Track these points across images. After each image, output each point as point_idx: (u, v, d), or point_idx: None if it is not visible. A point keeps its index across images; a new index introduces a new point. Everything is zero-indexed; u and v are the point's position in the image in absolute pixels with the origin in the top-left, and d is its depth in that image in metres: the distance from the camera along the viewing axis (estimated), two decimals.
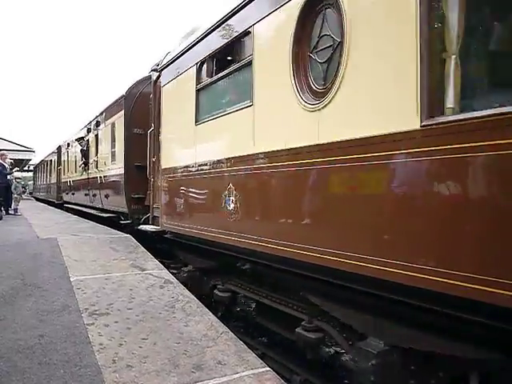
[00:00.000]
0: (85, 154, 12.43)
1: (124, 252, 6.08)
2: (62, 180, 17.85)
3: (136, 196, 7.97)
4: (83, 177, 12.79)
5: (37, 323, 3.24)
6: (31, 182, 44.46)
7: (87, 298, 3.85)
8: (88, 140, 12.52)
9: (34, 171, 34.48)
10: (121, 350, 2.84)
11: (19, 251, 5.93)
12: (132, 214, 8.07)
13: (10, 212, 12.77)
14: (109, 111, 10.06)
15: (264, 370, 2.70)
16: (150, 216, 6.85)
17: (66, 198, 16.99)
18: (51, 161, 21.86)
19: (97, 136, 11.39)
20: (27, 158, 28.91)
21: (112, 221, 9.47)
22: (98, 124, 11.19)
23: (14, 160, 16.51)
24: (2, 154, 12.36)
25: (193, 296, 4.10)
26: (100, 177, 10.59)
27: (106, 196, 9.95)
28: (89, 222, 10.88)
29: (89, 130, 12.45)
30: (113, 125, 9.52)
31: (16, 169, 15.36)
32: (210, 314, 3.65)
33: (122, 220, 8.66)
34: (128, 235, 7.58)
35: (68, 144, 16.30)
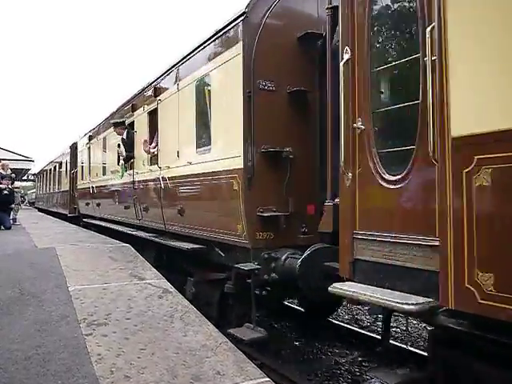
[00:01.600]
0: (127, 144, 8.15)
1: (123, 261, 6.04)
2: (79, 186, 13.65)
3: (267, 214, 4.34)
4: (123, 180, 8.55)
5: (34, 333, 3.21)
6: (30, 192, 44.46)
7: (85, 308, 3.82)
8: (133, 123, 8.14)
9: (37, 179, 30.16)
10: (119, 361, 2.81)
11: (17, 261, 5.90)
12: (257, 248, 4.37)
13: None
14: (191, 60, 5.75)
15: (263, 380, 2.68)
16: (340, 260, 3.25)
17: (84, 210, 12.91)
18: (60, 163, 17.61)
19: (154, 113, 7.05)
20: (26, 167, 28.91)
21: (203, 259, 5.48)
22: (157, 93, 6.79)
23: (13, 169, 16.19)
24: (3, 164, 12.36)
25: (191, 306, 4.07)
26: (162, 178, 6.35)
27: (181, 211, 5.75)
28: (88, 231, 10.84)
29: (135, 107, 8.08)
30: (201, 82, 5.45)
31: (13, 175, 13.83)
32: (209, 323, 3.62)
33: (235, 263, 4.53)
34: (127, 245, 7.42)
35: (90, 137, 12.06)
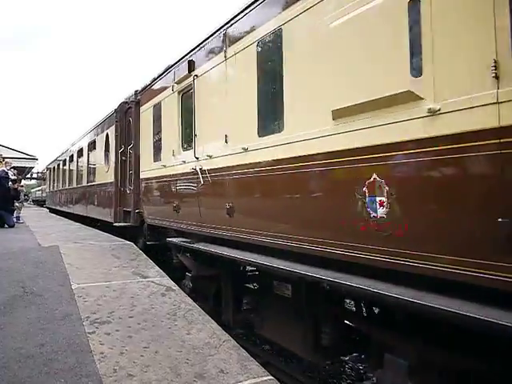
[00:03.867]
0: None
1: (126, 259, 6.04)
2: (146, 174, 7.18)
3: None
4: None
5: (37, 332, 3.21)
6: (33, 190, 44.62)
7: (88, 306, 3.82)
8: None
9: (48, 171, 23.58)
10: (122, 359, 2.81)
11: (21, 259, 5.90)
12: None
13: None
14: None
15: (267, 378, 2.67)
16: None
17: (160, 218, 6.55)
18: (93, 143, 11.65)
19: None
20: (30, 165, 28.98)
21: None
22: None
23: (16, 168, 15.99)
24: (7, 162, 12.39)
25: (195, 304, 4.06)
26: None
27: None
28: (92, 229, 10.83)
29: None
30: None
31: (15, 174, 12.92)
32: (212, 321, 3.62)
33: None
34: (130, 243, 7.42)
35: (191, 65, 5.30)
